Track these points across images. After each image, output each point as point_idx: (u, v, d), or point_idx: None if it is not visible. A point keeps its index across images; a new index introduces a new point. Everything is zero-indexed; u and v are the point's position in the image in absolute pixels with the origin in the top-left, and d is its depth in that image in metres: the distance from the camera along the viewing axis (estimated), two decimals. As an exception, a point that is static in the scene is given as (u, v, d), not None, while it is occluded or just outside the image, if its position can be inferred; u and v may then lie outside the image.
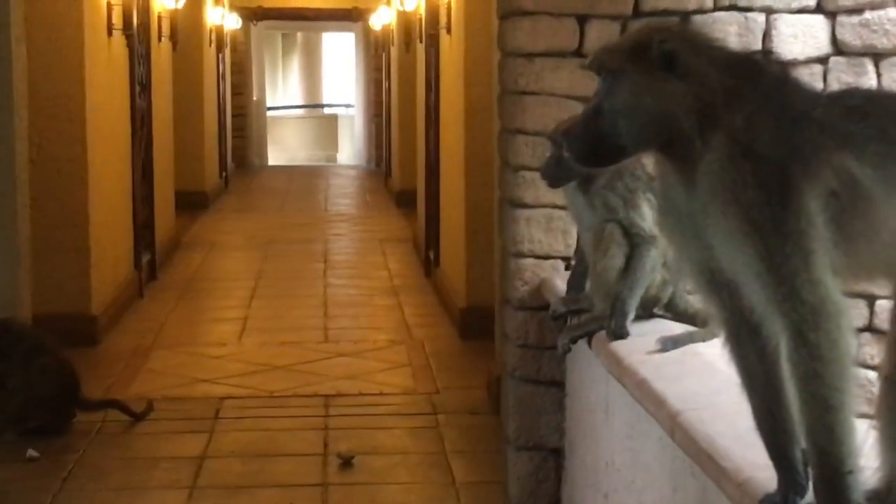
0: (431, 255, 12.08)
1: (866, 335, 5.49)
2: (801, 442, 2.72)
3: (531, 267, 5.62)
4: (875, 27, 5.56)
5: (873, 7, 5.52)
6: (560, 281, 5.44)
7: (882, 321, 5.52)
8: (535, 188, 5.58)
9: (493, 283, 8.18)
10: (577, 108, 5.56)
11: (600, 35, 5.50)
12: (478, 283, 9.52)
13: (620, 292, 4.45)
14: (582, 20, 5.54)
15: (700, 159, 2.62)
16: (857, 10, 5.53)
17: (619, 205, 4.51)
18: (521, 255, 5.62)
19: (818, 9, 5.58)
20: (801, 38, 5.53)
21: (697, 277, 2.77)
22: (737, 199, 2.55)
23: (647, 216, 4.50)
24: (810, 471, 2.62)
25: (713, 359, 4.13)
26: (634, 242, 4.47)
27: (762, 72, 2.69)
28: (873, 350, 5.11)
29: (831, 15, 5.57)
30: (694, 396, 3.70)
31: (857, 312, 5.47)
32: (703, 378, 3.90)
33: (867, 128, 2.60)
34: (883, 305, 5.57)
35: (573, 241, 5.60)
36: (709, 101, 2.63)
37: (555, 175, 4.60)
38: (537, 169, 5.55)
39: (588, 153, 2.74)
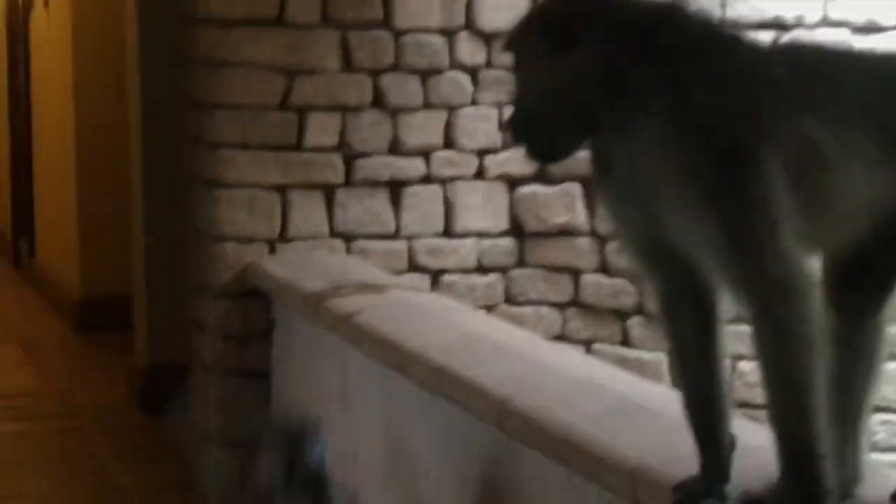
0: (22, 246, 11.24)
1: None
2: (731, 426, 2.55)
3: (233, 251, 5.22)
4: None
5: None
6: (270, 264, 5.10)
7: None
8: (235, 167, 5.18)
9: (117, 271, 7.79)
10: (279, 82, 5.21)
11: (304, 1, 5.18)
12: (95, 272, 8.89)
13: None
14: (284, -15, 5.19)
15: (636, 131, 2.35)
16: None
17: None
18: (223, 238, 5.21)
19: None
20: (504, 9, 5.37)
21: (637, 252, 2.52)
22: (688, 171, 2.31)
23: None
24: (777, 459, 2.40)
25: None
26: None
27: (688, 25, 2.43)
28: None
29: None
30: (509, 381, 3.47)
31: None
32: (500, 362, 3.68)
33: (823, 89, 2.41)
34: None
35: (277, 223, 5.24)
36: (623, 69, 2.36)
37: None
38: (238, 145, 5.18)
39: (541, 142, 2.45)
